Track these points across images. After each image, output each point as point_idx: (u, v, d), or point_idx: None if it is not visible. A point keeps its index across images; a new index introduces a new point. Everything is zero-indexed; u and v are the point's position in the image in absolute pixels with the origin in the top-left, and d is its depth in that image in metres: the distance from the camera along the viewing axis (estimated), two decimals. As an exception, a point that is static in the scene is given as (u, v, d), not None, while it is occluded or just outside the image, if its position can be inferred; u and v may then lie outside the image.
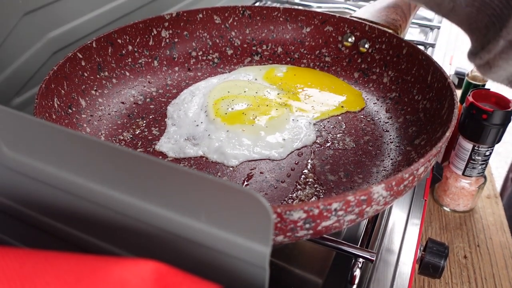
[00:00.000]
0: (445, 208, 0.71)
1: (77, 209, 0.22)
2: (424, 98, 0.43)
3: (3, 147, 0.22)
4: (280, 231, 0.26)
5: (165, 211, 0.19)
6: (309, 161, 0.40)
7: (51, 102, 0.39)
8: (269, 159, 0.40)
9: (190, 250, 0.20)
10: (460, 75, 0.77)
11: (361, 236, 0.35)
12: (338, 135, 0.44)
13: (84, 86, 0.44)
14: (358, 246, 0.34)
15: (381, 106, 0.47)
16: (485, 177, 0.64)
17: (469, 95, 0.52)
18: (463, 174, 0.60)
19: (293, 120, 0.44)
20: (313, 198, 0.36)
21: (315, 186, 0.37)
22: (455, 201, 0.69)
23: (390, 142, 0.42)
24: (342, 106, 0.48)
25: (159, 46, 0.52)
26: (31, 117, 0.20)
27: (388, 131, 0.44)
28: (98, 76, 0.46)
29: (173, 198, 0.19)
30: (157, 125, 0.45)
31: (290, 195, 0.37)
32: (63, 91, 0.41)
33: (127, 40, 0.49)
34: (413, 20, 0.72)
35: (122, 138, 0.43)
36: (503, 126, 0.53)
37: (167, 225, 0.20)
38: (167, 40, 0.53)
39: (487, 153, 0.58)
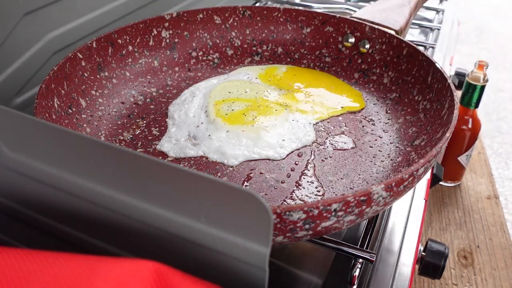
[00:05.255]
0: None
1: (76, 209, 0.22)
2: (424, 98, 0.43)
3: (3, 147, 0.22)
4: (279, 232, 0.26)
5: (164, 212, 0.19)
6: (309, 161, 0.40)
7: (51, 102, 0.39)
8: (269, 159, 0.40)
9: (190, 251, 0.20)
10: (460, 76, 0.77)
11: (361, 237, 0.35)
12: (338, 136, 0.44)
13: (84, 86, 0.44)
14: (358, 247, 0.34)
15: (381, 107, 0.47)
16: None
17: None
18: None
19: (293, 120, 0.44)
20: (313, 199, 0.36)
21: (314, 186, 0.37)
22: None
23: (390, 143, 0.42)
24: (342, 107, 0.48)
25: (159, 46, 0.52)
26: (31, 117, 0.20)
27: (388, 132, 0.44)
28: (98, 76, 0.46)
29: (173, 198, 0.19)
30: (157, 125, 0.45)
31: (289, 196, 0.37)
32: (63, 91, 0.41)
33: (128, 40, 0.49)
34: (414, 21, 0.72)
35: (122, 138, 0.43)
36: None
37: (167, 226, 0.20)
38: (167, 40, 0.53)
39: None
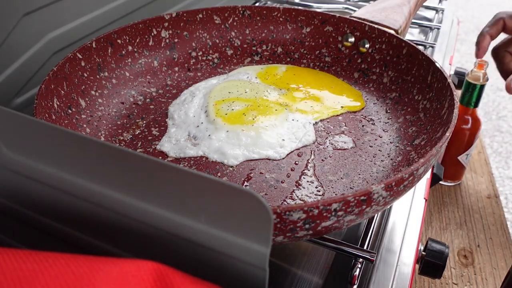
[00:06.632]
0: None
1: (76, 209, 0.22)
2: (424, 98, 0.43)
3: (3, 148, 0.22)
4: (279, 232, 0.26)
5: (164, 212, 0.19)
6: (309, 161, 0.40)
7: (50, 103, 0.39)
8: (269, 159, 0.40)
9: (190, 251, 0.20)
10: (460, 75, 0.77)
11: (361, 236, 0.35)
12: (337, 135, 0.44)
13: (83, 87, 0.44)
14: (358, 247, 0.34)
15: (381, 106, 0.47)
16: None
17: None
18: None
19: (292, 120, 0.44)
20: (313, 199, 0.36)
21: (314, 186, 0.37)
22: None
23: (390, 142, 0.42)
24: (342, 106, 0.48)
25: (159, 47, 0.52)
26: (31, 118, 0.20)
27: (388, 131, 0.44)
28: (97, 76, 0.46)
29: (173, 199, 0.19)
30: (157, 126, 0.45)
31: (289, 195, 0.37)
32: (62, 92, 0.41)
33: (127, 41, 0.49)
34: (413, 20, 0.72)
35: (122, 138, 0.43)
36: None
37: (167, 226, 0.20)
38: (167, 41, 0.53)
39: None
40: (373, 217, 0.37)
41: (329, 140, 0.43)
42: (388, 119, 0.46)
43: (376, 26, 0.51)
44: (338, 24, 0.53)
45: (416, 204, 0.43)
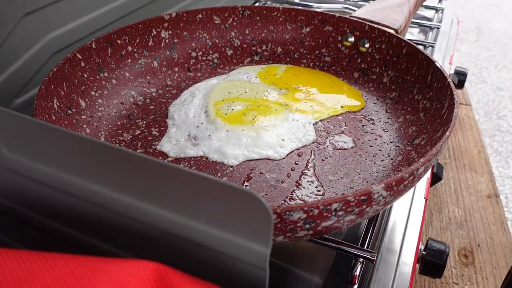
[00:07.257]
0: None
1: (76, 210, 0.22)
2: (424, 97, 0.43)
3: (3, 149, 0.22)
4: (280, 232, 0.26)
5: (164, 212, 0.19)
6: (309, 161, 0.40)
7: (50, 103, 0.39)
8: (269, 159, 0.40)
9: (190, 251, 0.20)
10: (460, 75, 0.77)
11: (361, 236, 0.35)
12: (337, 135, 0.44)
13: (83, 87, 0.44)
14: (359, 246, 0.34)
15: (381, 106, 0.47)
16: None
17: None
18: None
19: (293, 120, 0.44)
20: (313, 198, 0.36)
21: (315, 186, 0.37)
22: None
23: (390, 142, 0.42)
24: (342, 106, 0.48)
25: (158, 47, 0.52)
26: (31, 119, 0.20)
27: (388, 131, 0.44)
28: (97, 77, 0.46)
29: (173, 199, 0.19)
30: (157, 126, 0.45)
31: (290, 195, 0.37)
32: (62, 92, 0.41)
33: (127, 41, 0.49)
34: (413, 20, 0.72)
35: (122, 139, 0.43)
36: None
37: (167, 226, 0.20)
38: (167, 41, 0.53)
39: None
40: (374, 217, 0.37)
41: (329, 140, 0.43)
42: (388, 118, 0.46)
43: (376, 25, 0.51)
44: (338, 24, 0.53)
45: (416, 204, 0.43)
